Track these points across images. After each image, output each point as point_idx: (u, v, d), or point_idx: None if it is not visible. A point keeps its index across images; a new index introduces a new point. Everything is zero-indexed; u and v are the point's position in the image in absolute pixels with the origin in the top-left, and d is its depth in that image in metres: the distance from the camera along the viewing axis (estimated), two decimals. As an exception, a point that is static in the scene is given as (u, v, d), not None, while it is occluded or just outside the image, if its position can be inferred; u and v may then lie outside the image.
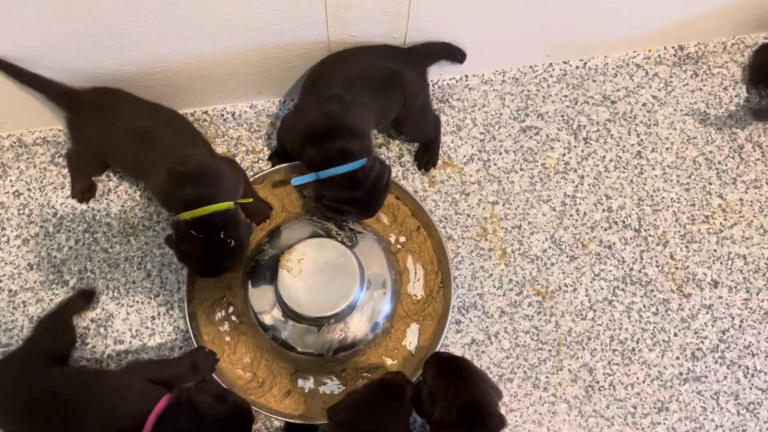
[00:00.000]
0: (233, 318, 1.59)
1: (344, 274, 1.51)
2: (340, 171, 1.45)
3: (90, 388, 1.32)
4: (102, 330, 1.58)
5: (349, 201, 1.49)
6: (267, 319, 1.54)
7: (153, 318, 1.60)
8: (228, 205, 1.41)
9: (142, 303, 1.61)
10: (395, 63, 1.55)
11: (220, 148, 1.73)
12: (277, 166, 1.66)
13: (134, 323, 1.59)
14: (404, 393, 1.34)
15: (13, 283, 1.61)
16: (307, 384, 1.56)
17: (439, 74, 1.77)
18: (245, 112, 1.76)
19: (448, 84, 1.80)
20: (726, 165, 1.75)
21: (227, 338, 1.58)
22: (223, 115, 1.75)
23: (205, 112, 1.75)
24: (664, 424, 1.55)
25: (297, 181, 1.51)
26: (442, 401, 1.29)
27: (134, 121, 1.45)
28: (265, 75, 1.64)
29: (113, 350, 1.57)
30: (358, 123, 1.47)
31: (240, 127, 1.76)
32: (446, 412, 1.27)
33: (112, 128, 1.45)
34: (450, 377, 1.34)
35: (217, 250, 1.41)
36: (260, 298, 1.55)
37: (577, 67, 1.83)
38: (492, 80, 1.81)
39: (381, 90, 1.52)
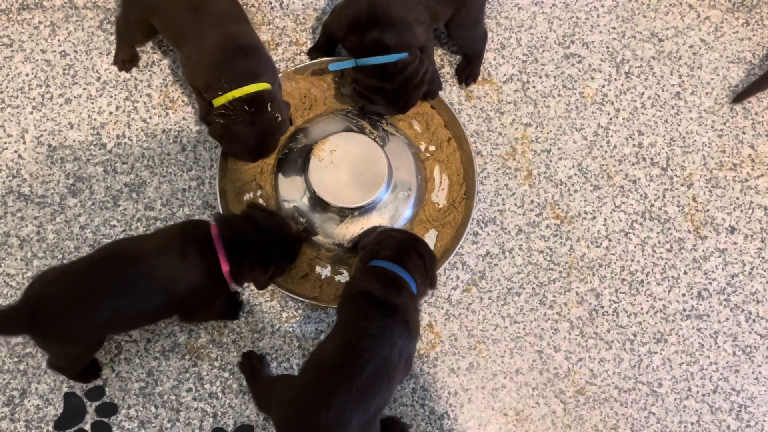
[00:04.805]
0: (261, 201, 1.64)
1: (373, 170, 1.56)
2: (374, 62, 1.48)
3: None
4: (134, 195, 1.64)
5: (378, 91, 1.53)
6: (293, 206, 1.59)
7: (184, 190, 1.65)
8: (267, 85, 1.45)
9: (175, 175, 1.65)
10: None
11: (264, 36, 1.74)
12: (318, 59, 1.68)
13: (165, 192, 1.64)
14: None
15: (53, 139, 1.66)
16: (324, 272, 1.62)
17: (490, -11, 1.76)
18: (293, 2, 1.76)
19: (498, 1, 1.79)
20: (762, 117, 1.75)
21: (253, 219, 1.63)
22: (270, 3, 1.76)
23: (254, -2, 1.76)
24: (661, 354, 1.61)
25: (334, 66, 1.54)
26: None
27: None
28: (319, -37, 1.64)
29: (143, 215, 1.62)
30: (402, 14, 1.48)
31: (286, 18, 1.77)
32: None
33: None
34: None
35: (268, 125, 1.46)
36: (289, 184, 1.60)
37: (630, 0, 1.81)
38: (543, 2, 1.80)
39: None
